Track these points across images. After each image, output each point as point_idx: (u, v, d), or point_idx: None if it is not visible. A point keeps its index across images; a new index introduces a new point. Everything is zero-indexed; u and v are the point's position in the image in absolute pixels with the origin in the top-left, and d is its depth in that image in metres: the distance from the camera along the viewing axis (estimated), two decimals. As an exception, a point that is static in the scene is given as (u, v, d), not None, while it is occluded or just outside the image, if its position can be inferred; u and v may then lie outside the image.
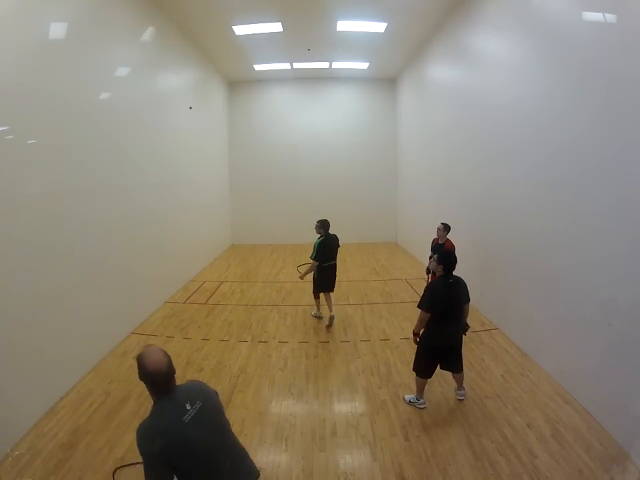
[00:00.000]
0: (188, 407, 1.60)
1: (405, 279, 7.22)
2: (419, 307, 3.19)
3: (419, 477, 2.62)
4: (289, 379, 3.89)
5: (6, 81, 3.04)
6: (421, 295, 3.30)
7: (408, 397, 3.47)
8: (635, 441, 2.66)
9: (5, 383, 2.91)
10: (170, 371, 1.63)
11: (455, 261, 3.22)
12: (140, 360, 1.63)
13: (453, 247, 4.71)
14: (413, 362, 3.45)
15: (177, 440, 1.54)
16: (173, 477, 1.57)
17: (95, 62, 4.32)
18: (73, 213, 3.89)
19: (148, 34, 5.78)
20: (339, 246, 5.32)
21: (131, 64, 5.25)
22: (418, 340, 3.30)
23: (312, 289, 5.42)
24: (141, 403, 3.48)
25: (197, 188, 8.19)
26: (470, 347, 4.47)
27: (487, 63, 5.21)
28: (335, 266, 5.29)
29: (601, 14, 3.08)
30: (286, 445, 2.98)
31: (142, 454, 1.53)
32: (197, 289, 6.91)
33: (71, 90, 3.87)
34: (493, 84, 5.06)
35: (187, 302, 6.24)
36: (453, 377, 3.47)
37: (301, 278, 5.33)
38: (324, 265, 5.09)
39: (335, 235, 5.26)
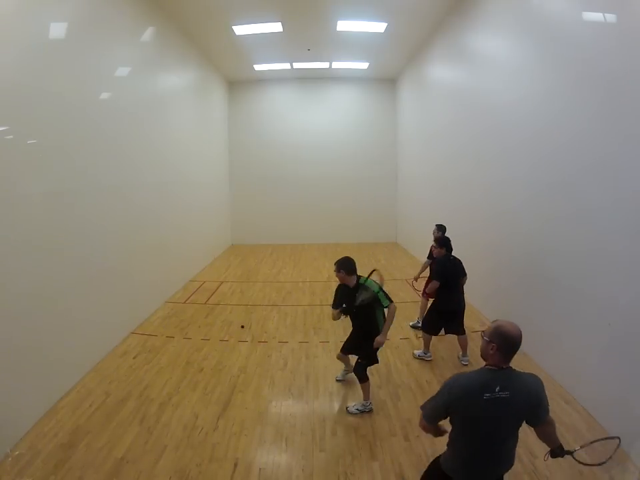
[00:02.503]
0: (497, 390, 1.65)
1: (405, 279, 7.22)
2: (432, 278, 4.22)
3: (419, 476, 2.61)
4: (288, 379, 3.89)
5: (6, 81, 3.03)
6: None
7: (417, 352, 4.22)
8: (635, 441, 2.66)
9: (5, 383, 2.91)
10: (518, 346, 1.68)
11: (450, 243, 4.29)
12: (501, 328, 1.68)
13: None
14: (411, 362, 3.83)
15: (465, 402, 1.68)
16: (437, 421, 1.79)
17: (95, 62, 4.32)
18: (72, 213, 3.89)
19: (148, 34, 5.78)
20: (378, 302, 3.25)
21: (131, 64, 5.25)
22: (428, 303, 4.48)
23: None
24: (141, 402, 3.48)
25: (197, 188, 8.19)
26: (470, 346, 4.47)
27: (487, 63, 5.22)
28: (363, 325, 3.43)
29: (601, 14, 3.08)
30: (286, 444, 2.97)
31: (441, 387, 1.77)
32: (197, 289, 6.91)
33: (70, 90, 3.87)
34: (493, 84, 5.06)
35: (187, 302, 6.24)
36: (458, 340, 4.13)
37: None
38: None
39: (371, 284, 3.24)
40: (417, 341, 4.66)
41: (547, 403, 1.77)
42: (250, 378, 3.90)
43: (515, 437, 1.79)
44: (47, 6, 3.55)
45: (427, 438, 2.98)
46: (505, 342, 1.66)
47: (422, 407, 1.83)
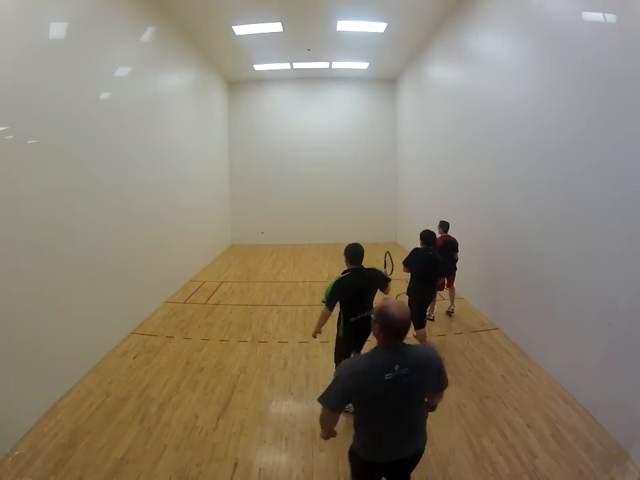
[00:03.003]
0: (396, 368, 1.67)
1: (405, 279, 7.20)
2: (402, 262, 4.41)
3: (419, 476, 2.62)
4: (288, 379, 3.89)
5: (6, 81, 3.04)
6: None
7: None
8: (635, 441, 2.66)
9: (5, 382, 2.91)
10: (409, 325, 1.72)
11: (432, 238, 4.37)
12: (384, 309, 1.71)
13: (440, 243, 4.92)
14: None
15: (367, 385, 1.68)
16: (339, 408, 1.78)
17: (95, 62, 4.32)
18: (72, 212, 3.89)
19: (148, 34, 5.78)
20: (382, 286, 3.29)
21: (131, 64, 5.25)
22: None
23: (334, 352, 3.47)
24: (141, 402, 3.48)
25: (197, 188, 8.19)
26: (470, 346, 4.48)
27: (487, 63, 5.21)
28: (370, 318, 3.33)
29: (601, 14, 3.08)
30: (286, 444, 2.97)
31: (334, 375, 1.78)
32: (197, 289, 6.91)
33: (70, 90, 3.87)
34: (493, 84, 5.06)
35: (187, 302, 6.24)
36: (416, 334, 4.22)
37: (314, 336, 3.35)
38: (351, 318, 3.18)
39: (375, 271, 3.25)
40: (415, 341, 4.65)
41: (444, 368, 1.85)
42: (250, 378, 3.90)
43: (421, 409, 1.85)
44: (47, 6, 3.55)
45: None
46: (386, 323, 1.69)
47: (320, 399, 1.79)
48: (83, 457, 2.82)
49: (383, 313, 1.70)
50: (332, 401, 1.76)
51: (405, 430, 1.79)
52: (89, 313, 4.09)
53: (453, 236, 5.14)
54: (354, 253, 3.15)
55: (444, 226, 5.17)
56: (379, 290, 3.30)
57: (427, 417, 1.92)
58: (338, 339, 3.35)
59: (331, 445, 2.94)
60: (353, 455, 1.92)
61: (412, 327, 4.72)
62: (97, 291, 4.25)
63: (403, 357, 1.71)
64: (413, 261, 4.30)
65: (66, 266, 3.73)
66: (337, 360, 3.37)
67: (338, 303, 3.14)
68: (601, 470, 2.59)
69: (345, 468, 2.71)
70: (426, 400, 1.90)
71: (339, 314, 3.27)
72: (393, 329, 1.69)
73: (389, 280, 3.35)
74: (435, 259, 4.24)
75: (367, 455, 1.85)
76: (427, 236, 4.32)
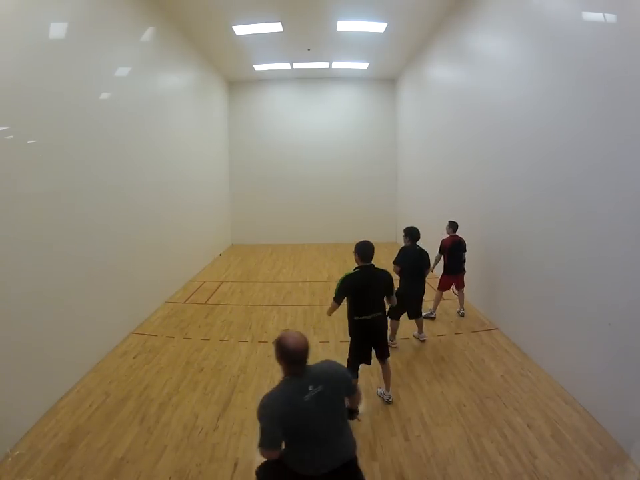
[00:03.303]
0: (310, 388, 1.80)
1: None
2: (394, 262, 4.37)
3: (418, 476, 2.62)
4: (288, 379, 3.89)
5: (6, 81, 3.04)
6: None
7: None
8: (634, 441, 2.66)
9: (5, 382, 2.91)
10: (307, 353, 1.83)
11: (418, 233, 4.40)
12: (280, 340, 1.82)
13: (449, 243, 5.10)
14: (411, 362, 4.09)
15: (292, 413, 1.76)
16: (281, 443, 1.79)
17: (95, 62, 4.32)
18: (72, 212, 3.89)
19: (148, 34, 5.78)
20: (389, 284, 3.26)
21: (131, 64, 5.25)
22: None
23: (348, 355, 3.34)
24: (140, 402, 3.48)
25: (197, 188, 8.19)
26: (470, 346, 4.48)
27: (487, 63, 5.21)
28: (381, 320, 3.24)
29: (601, 14, 3.08)
30: (286, 445, 2.97)
31: (259, 418, 1.78)
32: (197, 289, 6.91)
33: (70, 90, 3.87)
34: (493, 84, 5.06)
35: (187, 302, 6.24)
36: (416, 322, 4.61)
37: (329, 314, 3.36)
38: (355, 317, 3.15)
39: (385, 272, 3.28)
40: (416, 341, 4.66)
41: (349, 374, 2.07)
42: (250, 378, 3.90)
43: (344, 417, 1.97)
44: (47, 6, 3.55)
45: (426, 438, 2.99)
46: (283, 353, 1.81)
47: (260, 445, 1.79)
48: (83, 456, 2.82)
49: (280, 345, 1.82)
50: (269, 443, 1.78)
51: (334, 441, 1.87)
52: (89, 313, 4.09)
53: (460, 236, 5.18)
54: (364, 250, 3.15)
55: (453, 226, 5.20)
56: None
57: (355, 419, 2.07)
58: (351, 341, 3.32)
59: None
60: (274, 467, 1.91)
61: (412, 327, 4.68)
62: (97, 291, 4.25)
63: (311, 377, 1.84)
64: (404, 260, 4.33)
65: (66, 266, 3.73)
66: (348, 363, 3.28)
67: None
68: (601, 470, 2.59)
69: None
70: (347, 406, 2.03)
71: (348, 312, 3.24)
72: (291, 359, 1.81)
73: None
74: (422, 253, 4.38)
75: (300, 469, 1.87)
76: (411, 232, 4.39)
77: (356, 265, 3.22)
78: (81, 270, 3.97)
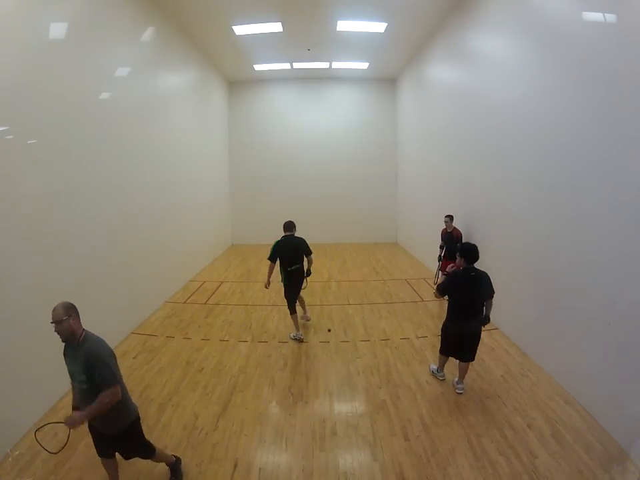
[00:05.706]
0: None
1: (405, 279, 7.22)
2: (436, 289, 3.68)
3: (418, 477, 2.62)
4: (288, 379, 3.89)
5: (6, 81, 3.04)
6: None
7: (432, 366, 3.92)
8: (634, 441, 2.66)
9: (5, 382, 2.91)
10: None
11: (475, 253, 3.35)
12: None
13: (460, 234, 5.49)
14: (411, 362, 4.05)
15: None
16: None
17: (95, 62, 4.32)
18: (73, 212, 3.89)
19: (148, 34, 5.78)
20: (308, 251, 4.83)
21: (131, 64, 5.25)
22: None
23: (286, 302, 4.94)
24: (140, 402, 3.47)
25: (197, 188, 8.19)
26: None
27: (487, 63, 5.21)
28: (298, 271, 4.84)
29: (601, 14, 3.08)
30: (286, 444, 2.97)
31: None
32: (197, 289, 6.91)
33: (70, 90, 3.87)
34: (493, 84, 5.06)
35: (187, 302, 6.24)
36: (458, 365, 3.59)
37: (266, 287, 4.90)
38: (288, 268, 4.73)
39: (301, 239, 4.89)
40: (416, 341, 4.66)
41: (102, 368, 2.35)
42: (250, 378, 3.90)
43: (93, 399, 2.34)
44: (47, 6, 3.55)
45: (427, 438, 2.99)
46: None
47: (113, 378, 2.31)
48: (83, 456, 2.82)
49: None
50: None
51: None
52: (89, 312, 4.02)
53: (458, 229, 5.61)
54: (286, 225, 4.95)
55: (452, 218, 5.66)
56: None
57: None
58: (284, 287, 4.92)
59: (330, 445, 2.95)
60: None
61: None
62: (97, 291, 4.24)
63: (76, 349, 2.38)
64: (455, 289, 3.48)
65: (66, 265, 3.73)
66: (287, 303, 4.92)
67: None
68: (601, 470, 2.59)
69: (345, 468, 2.72)
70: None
71: (281, 269, 4.76)
72: None
73: (311, 252, 4.86)
74: (487, 283, 3.43)
75: None
76: (469, 251, 3.37)
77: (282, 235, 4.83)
78: (81, 269, 3.97)
